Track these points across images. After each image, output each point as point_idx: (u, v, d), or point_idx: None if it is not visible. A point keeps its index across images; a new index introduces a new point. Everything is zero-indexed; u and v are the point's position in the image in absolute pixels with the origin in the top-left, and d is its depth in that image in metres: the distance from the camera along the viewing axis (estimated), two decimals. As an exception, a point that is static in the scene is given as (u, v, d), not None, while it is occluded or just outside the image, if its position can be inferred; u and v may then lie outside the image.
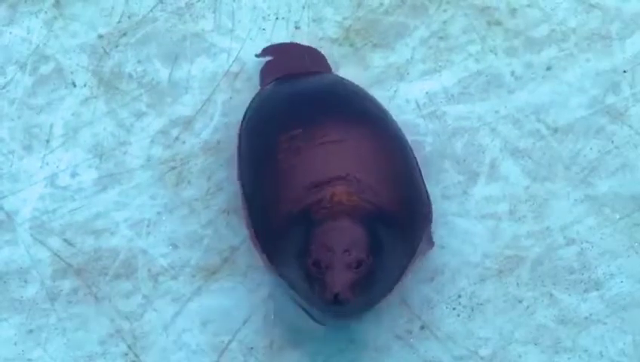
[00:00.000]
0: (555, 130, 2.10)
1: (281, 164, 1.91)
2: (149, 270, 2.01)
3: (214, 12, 2.18)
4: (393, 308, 1.94)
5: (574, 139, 2.09)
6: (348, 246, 1.78)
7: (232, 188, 2.07)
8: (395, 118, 2.04)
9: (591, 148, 2.08)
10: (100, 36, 2.17)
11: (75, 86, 2.14)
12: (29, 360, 1.92)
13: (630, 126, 2.09)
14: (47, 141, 2.12)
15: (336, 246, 1.78)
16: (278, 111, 2.01)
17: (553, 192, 2.05)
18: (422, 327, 1.93)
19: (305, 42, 2.15)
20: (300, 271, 1.82)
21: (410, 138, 2.02)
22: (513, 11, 2.15)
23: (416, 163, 2.01)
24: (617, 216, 2.02)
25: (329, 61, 2.13)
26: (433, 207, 1.96)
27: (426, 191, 1.99)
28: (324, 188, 1.85)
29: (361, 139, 1.93)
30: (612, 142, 2.08)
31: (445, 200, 2.04)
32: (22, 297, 1.99)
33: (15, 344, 1.94)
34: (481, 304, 1.95)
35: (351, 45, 2.14)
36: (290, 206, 1.88)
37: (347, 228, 1.80)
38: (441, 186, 2.05)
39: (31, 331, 1.95)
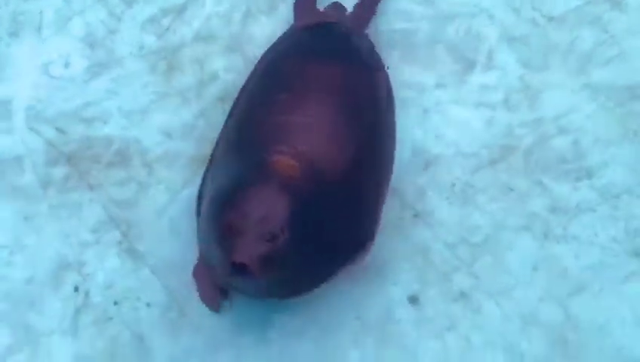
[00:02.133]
0: (551, 19, 2.08)
1: (255, 115, 1.86)
2: (142, 158, 2.01)
3: None
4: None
5: (570, 28, 2.08)
6: (265, 216, 1.67)
7: (226, 77, 2.06)
8: (389, 6, 2.02)
9: (587, 38, 2.07)
10: None
11: (64, -27, 2.12)
12: (23, 246, 1.94)
13: (627, 15, 2.07)
14: (39, 29, 2.11)
15: (254, 213, 1.67)
16: (281, 69, 1.94)
17: (548, 82, 2.05)
18: (415, 215, 1.94)
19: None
20: (213, 231, 1.72)
21: (404, 25, 2.00)
22: None
23: (383, 188, 1.88)
24: (612, 105, 2.02)
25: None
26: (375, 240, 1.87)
27: (375, 222, 1.86)
28: (272, 154, 1.75)
29: (342, 134, 1.82)
30: (608, 31, 2.07)
31: (440, 89, 2.04)
32: (16, 184, 2.00)
33: (9, 230, 1.95)
34: (474, 193, 1.96)
35: None
36: (234, 158, 1.81)
37: (270, 197, 1.69)
38: (436, 74, 2.05)
39: (25, 218, 1.96)
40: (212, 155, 1.92)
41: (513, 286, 1.88)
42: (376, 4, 2.11)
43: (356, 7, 2.10)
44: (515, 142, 2.00)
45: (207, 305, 1.86)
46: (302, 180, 1.73)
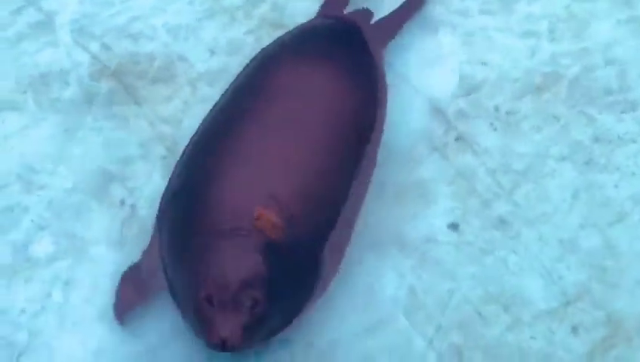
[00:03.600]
0: (600, -51, 2.08)
1: (227, 133, 1.73)
2: (186, 75, 2.02)
3: None
4: (430, 119, 1.97)
5: (619, -41, 2.08)
6: (246, 283, 1.59)
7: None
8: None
9: (635, -31, 2.07)
10: None
11: None
12: (68, 157, 1.95)
13: (677, -53, 2.07)
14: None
15: (234, 281, 1.59)
16: (264, 80, 1.82)
17: (594, 12, 2.04)
18: (457, 139, 1.95)
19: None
20: (190, 302, 1.63)
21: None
22: None
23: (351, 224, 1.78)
24: (658, 38, 2.03)
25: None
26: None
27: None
28: (252, 205, 1.63)
29: (318, 172, 1.70)
30: (656, -37, 2.07)
31: (486, 15, 2.04)
32: (61, 97, 2.01)
33: (54, 141, 1.97)
34: (518, 119, 1.97)
35: None
36: (205, 182, 1.69)
37: (252, 263, 1.60)
38: (481, 0, 2.05)
39: (70, 130, 1.98)
40: (185, 149, 1.81)
41: (553, 214, 1.89)
42: (405, 21, 2.04)
43: (384, 18, 2.03)
44: (560, 71, 2.01)
45: (115, 314, 1.76)
46: (282, 238, 1.63)
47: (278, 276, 1.61)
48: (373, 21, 2.01)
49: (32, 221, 1.89)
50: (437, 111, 1.96)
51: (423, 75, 2.02)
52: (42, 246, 1.87)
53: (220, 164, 1.69)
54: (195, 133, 1.80)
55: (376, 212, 1.89)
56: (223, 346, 1.58)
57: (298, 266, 1.66)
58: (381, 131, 1.86)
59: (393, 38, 2.01)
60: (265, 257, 1.60)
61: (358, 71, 1.85)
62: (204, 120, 1.81)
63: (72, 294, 1.81)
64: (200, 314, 1.60)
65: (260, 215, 1.61)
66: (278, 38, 1.93)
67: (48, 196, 1.92)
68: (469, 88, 1.99)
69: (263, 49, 1.91)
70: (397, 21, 2.03)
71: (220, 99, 1.84)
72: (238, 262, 1.59)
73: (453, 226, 1.89)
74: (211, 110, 1.82)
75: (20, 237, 1.87)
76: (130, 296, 1.76)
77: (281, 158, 1.69)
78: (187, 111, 2.00)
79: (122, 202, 1.90)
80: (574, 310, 1.80)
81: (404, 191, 1.91)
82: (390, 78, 1.97)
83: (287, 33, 1.93)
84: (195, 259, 1.63)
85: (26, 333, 1.77)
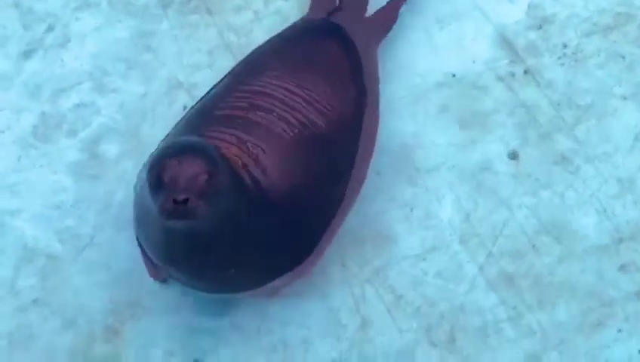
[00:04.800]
0: None
1: (217, 103, 1.75)
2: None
3: None
4: (497, 49, 1.98)
5: None
6: (199, 165, 1.53)
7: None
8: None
9: None
10: None
11: None
12: (140, 62, 1.98)
13: None
14: None
15: (188, 164, 1.53)
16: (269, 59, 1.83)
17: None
18: (525, 72, 1.96)
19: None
20: (150, 181, 1.56)
21: None
22: None
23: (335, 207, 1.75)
24: None
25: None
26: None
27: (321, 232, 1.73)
28: (224, 136, 1.66)
29: (295, 150, 1.70)
30: None
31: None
32: (137, 2, 2.04)
33: (128, 45, 2.00)
34: (585, 56, 1.97)
35: None
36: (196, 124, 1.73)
37: (202, 153, 1.56)
38: None
39: (144, 35, 2.01)
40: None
41: (613, 153, 1.90)
42: (397, 12, 1.99)
43: (376, 13, 1.98)
44: (632, 12, 2.00)
45: (154, 277, 1.79)
46: (241, 172, 1.63)
47: (222, 197, 1.56)
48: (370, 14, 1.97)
49: (102, 121, 1.94)
50: (505, 42, 1.97)
51: (495, 4, 2.03)
52: (110, 147, 1.93)
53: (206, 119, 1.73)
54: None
55: (437, 136, 1.92)
56: (179, 210, 1.50)
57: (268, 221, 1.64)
58: (372, 137, 1.84)
59: (390, 28, 1.98)
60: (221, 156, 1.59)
61: (340, 74, 1.83)
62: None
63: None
64: (158, 185, 1.52)
65: (223, 147, 1.62)
66: (267, 40, 1.90)
67: (119, 99, 1.96)
68: (539, 22, 2.00)
69: (253, 51, 1.89)
70: (393, 10, 1.99)
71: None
72: (193, 152, 1.55)
73: (513, 156, 1.91)
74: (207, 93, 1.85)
75: (89, 136, 1.93)
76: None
77: (269, 122, 1.70)
78: (257, 22, 2.02)
79: (184, 107, 1.94)
80: (626, 248, 1.82)
81: (466, 118, 1.93)
82: (460, 5, 2.01)
83: (276, 35, 1.91)
84: (158, 150, 1.63)
85: (91, 228, 1.83)
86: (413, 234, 1.84)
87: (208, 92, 1.84)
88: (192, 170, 1.51)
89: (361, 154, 1.81)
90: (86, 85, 1.97)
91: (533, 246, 1.83)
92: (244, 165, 1.64)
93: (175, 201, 1.49)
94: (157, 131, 1.88)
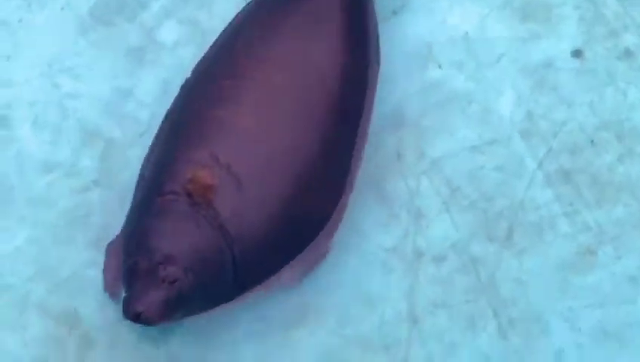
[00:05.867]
0: None
1: (194, 100, 1.64)
2: None
3: None
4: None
5: None
6: (170, 255, 1.49)
7: None
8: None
9: None
10: None
11: None
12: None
13: None
14: None
15: (152, 254, 1.50)
16: (236, 45, 1.69)
17: None
18: (592, -35, 1.93)
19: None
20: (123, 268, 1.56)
21: None
22: None
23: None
24: None
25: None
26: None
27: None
28: (190, 164, 1.53)
29: (283, 146, 1.56)
30: None
31: None
32: None
33: None
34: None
35: None
36: (161, 160, 1.61)
37: (177, 230, 1.50)
38: None
39: None
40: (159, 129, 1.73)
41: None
42: None
43: None
44: None
45: (108, 292, 1.66)
46: (217, 209, 1.51)
47: (211, 249, 1.50)
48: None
49: (162, 4, 1.93)
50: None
51: None
52: (169, 33, 1.91)
53: (183, 128, 1.63)
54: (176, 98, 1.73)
55: (500, 29, 1.88)
56: (137, 319, 1.50)
57: (247, 238, 1.53)
58: (370, 103, 1.72)
59: None
60: (196, 227, 1.50)
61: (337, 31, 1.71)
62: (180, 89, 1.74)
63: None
64: (125, 283, 1.53)
65: (192, 175, 1.52)
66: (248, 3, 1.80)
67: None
68: None
69: (238, 13, 1.79)
70: None
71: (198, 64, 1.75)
72: (163, 230, 1.51)
73: (577, 53, 1.87)
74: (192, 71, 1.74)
75: (149, 20, 1.92)
76: (114, 272, 1.65)
77: (238, 121, 1.58)
78: None
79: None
80: (688, 148, 1.81)
81: (530, 12, 1.89)
82: None
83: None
84: (131, 224, 1.58)
85: (149, 114, 1.84)
86: (471, 128, 1.82)
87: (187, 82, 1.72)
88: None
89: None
90: (147, -31, 1.98)
91: (593, 143, 1.80)
92: (223, 204, 1.50)
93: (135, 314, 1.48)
94: (215, 22, 1.86)
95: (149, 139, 1.77)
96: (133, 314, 1.49)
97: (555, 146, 1.81)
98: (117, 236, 1.67)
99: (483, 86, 1.86)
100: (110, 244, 1.65)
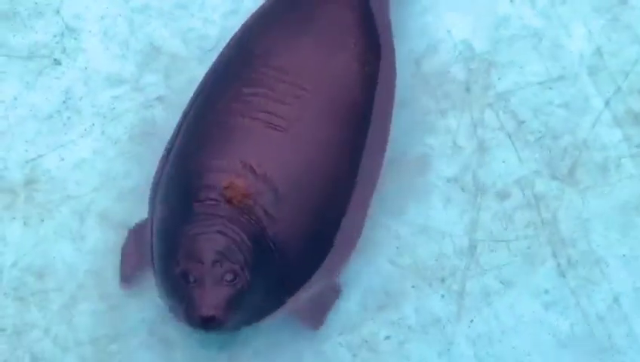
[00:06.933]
0: None
1: (212, 109, 1.62)
2: None
3: None
4: None
5: None
6: (223, 254, 1.49)
7: None
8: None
9: None
10: None
11: None
12: None
13: None
14: None
15: (206, 256, 1.49)
16: (252, 51, 1.67)
17: None
18: None
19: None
20: (166, 280, 1.54)
21: None
22: None
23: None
24: None
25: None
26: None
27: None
28: (224, 171, 1.54)
29: (314, 151, 1.58)
30: None
31: None
32: None
33: None
34: None
35: None
36: (183, 172, 1.59)
37: (221, 236, 1.50)
38: None
39: None
40: (172, 141, 1.69)
41: None
42: None
43: None
44: None
45: (122, 282, 1.67)
46: (255, 210, 1.53)
47: (259, 248, 1.52)
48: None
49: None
50: None
51: None
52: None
53: (207, 135, 1.61)
54: (191, 102, 1.71)
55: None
56: (207, 324, 1.49)
57: (288, 240, 1.55)
58: (390, 99, 1.71)
59: None
60: (241, 228, 1.51)
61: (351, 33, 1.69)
62: (197, 90, 1.71)
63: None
64: (178, 292, 1.51)
65: (229, 184, 1.54)
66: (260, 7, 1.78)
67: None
68: None
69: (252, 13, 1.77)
70: None
71: (208, 72, 1.73)
72: (210, 233, 1.51)
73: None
74: (203, 79, 1.72)
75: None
76: (130, 268, 1.67)
77: (266, 129, 1.58)
78: None
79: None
80: None
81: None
82: None
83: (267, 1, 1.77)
84: (170, 233, 1.56)
85: (218, 30, 1.82)
86: (541, 63, 1.80)
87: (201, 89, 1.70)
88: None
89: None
90: None
91: (666, 82, 1.78)
92: (258, 205, 1.53)
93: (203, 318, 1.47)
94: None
95: (214, 56, 1.76)
96: (203, 320, 1.48)
97: (625, 86, 1.78)
98: (137, 224, 1.66)
99: (554, 22, 1.83)
100: (132, 230, 1.66)
